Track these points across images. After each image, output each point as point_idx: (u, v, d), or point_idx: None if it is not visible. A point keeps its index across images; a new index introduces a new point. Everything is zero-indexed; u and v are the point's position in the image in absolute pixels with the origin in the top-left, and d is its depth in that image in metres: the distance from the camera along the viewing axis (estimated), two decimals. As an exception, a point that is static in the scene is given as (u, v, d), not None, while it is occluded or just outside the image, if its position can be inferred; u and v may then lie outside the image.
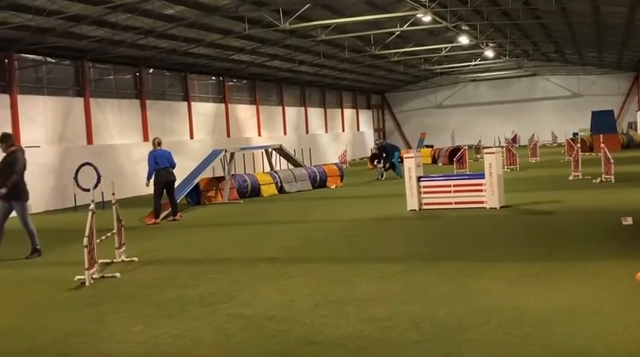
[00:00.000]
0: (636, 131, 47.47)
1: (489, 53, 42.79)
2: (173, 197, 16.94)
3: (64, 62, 26.44)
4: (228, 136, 36.72)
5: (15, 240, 12.90)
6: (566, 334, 5.88)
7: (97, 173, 20.05)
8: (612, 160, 19.44)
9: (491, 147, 17.78)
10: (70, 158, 22.78)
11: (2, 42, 22.53)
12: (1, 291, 9.61)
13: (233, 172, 22.45)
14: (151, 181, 16.60)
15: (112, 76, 29.28)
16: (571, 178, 21.22)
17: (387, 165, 27.28)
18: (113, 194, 11.14)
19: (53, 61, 25.95)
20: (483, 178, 15.28)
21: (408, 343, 5.95)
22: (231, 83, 38.52)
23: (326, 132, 50.19)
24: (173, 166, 16.73)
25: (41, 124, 24.43)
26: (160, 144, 16.88)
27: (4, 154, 12.09)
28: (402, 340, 6.02)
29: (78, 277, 9.46)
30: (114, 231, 10.97)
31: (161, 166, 16.51)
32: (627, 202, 14.80)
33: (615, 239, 10.40)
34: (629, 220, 11.56)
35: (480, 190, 15.31)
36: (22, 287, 9.73)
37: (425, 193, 15.83)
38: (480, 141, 42.74)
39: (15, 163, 11.77)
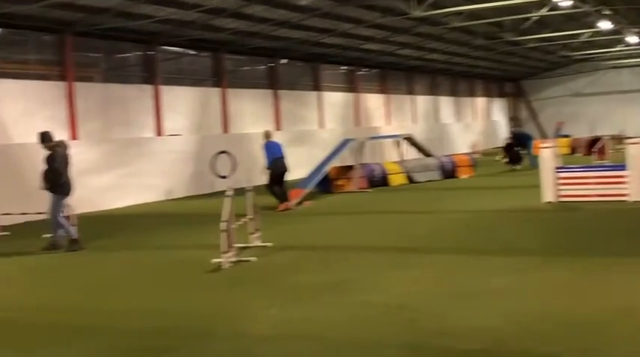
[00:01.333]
0: None
1: (632, 39, 40.44)
2: (285, 186, 17.40)
3: (203, 54, 27.51)
4: (358, 125, 36.90)
5: (135, 226, 13.60)
6: None
7: (233, 161, 20.82)
8: None
9: (635, 137, 16.86)
10: (207, 146, 23.70)
11: (147, 35, 23.74)
12: (143, 272, 10.19)
13: (363, 161, 22.58)
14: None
15: (247, 67, 30.18)
16: None
17: (520, 154, 26.46)
18: (249, 181, 11.52)
19: (193, 53, 27.07)
20: (626, 169, 14.53)
21: (544, 338, 5.79)
22: (360, 72, 38.65)
23: (457, 121, 49.37)
24: (285, 156, 17.29)
25: (182, 113, 25.57)
26: (271, 136, 17.51)
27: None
28: (538, 335, 5.86)
29: (216, 260, 9.86)
30: (249, 217, 11.34)
31: (277, 156, 17.00)
32: None
33: None
34: None
35: (623, 183, 14.56)
36: (163, 269, 10.27)
37: (562, 184, 15.25)
38: (621, 130, 40.57)
39: (54, 159, 12.34)
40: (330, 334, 6.30)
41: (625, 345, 5.50)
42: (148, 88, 24.18)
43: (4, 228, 14.76)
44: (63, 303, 8.35)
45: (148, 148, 22.21)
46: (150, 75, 24.47)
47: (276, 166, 16.96)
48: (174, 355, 6.01)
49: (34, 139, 12.81)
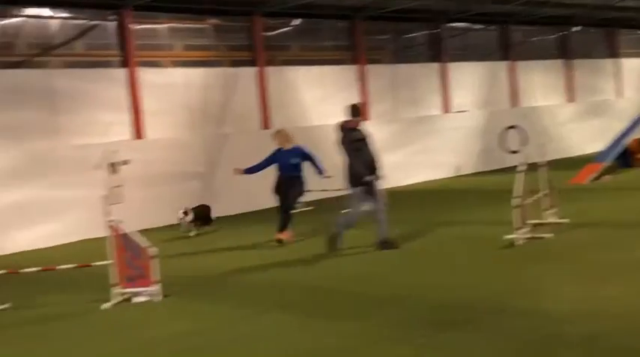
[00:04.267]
0: None
1: None
2: None
3: (489, 28, 27.07)
4: (663, 92, 33.70)
5: (426, 202, 13.69)
6: None
7: (523, 135, 20.31)
8: None
9: None
10: (495, 121, 23.36)
11: (432, 14, 23.99)
12: (439, 247, 10.41)
13: (669, 132, 20.58)
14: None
15: (535, 38, 29.06)
16: None
17: None
18: (541, 156, 11.15)
19: (478, 27, 26.77)
20: None
21: None
22: (665, 34, 35.13)
23: None
24: None
25: (468, 89, 25.47)
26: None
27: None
28: None
29: (509, 236, 9.73)
30: (545, 192, 10.98)
31: None
32: None
33: None
34: None
35: None
36: (457, 244, 10.41)
37: None
38: None
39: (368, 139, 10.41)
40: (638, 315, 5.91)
41: None
42: (434, 66, 24.47)
43: (309, 203, 16.04)
44: (366, 275, 8.88)
45: (435, 126, 22.54)
46: (436, 53, 24.72)
47: None
48: (472, 328, 6.09)
49: (331, 121, 13.37)
